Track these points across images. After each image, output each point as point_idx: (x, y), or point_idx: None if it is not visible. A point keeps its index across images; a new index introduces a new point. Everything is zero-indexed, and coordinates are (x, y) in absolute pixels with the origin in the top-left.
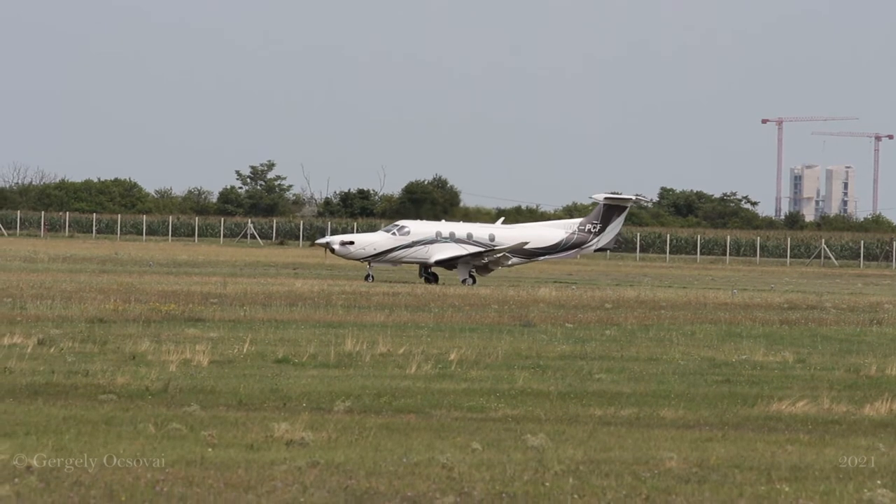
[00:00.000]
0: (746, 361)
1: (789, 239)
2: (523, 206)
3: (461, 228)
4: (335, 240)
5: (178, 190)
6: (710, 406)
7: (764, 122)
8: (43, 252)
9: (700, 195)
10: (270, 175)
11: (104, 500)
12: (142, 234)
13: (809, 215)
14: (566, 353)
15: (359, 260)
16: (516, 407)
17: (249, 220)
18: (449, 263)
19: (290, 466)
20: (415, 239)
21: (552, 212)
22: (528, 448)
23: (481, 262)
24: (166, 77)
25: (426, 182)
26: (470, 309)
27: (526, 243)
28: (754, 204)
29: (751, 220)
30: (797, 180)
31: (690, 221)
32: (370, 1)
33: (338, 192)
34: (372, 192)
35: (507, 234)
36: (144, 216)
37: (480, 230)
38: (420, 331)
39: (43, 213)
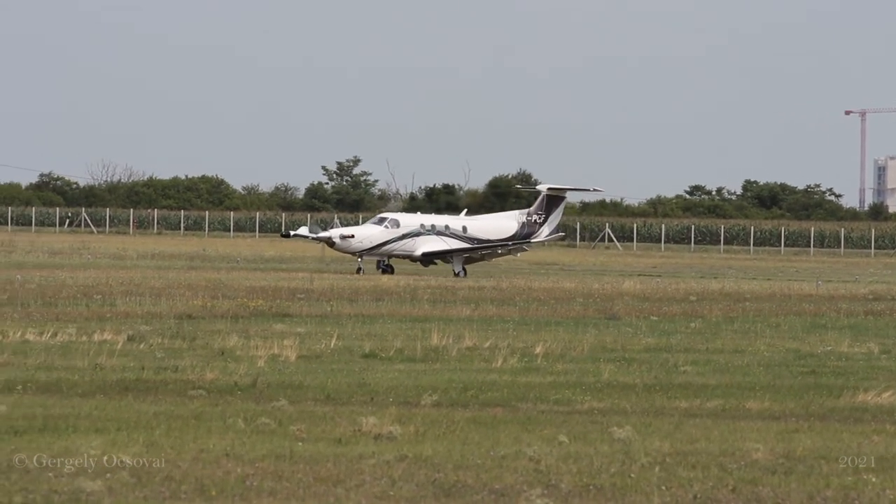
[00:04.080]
0: (832, 352)
1: (873, 230)
2: (607, 200)
3: (439, 221)
4: (335, 233)
5: (265, 186)
6: (795, 397)
7: (847, 113)
8: (132, 249)
9: (784, 187)
10: (356, 170)
11: (195, 494)
12: (229, 231)
13: (893, 206)
14: (651, 345)
15: (352, 253)
16: (602, 399)
17: (336, 216)
18: (438, 256)
19: (379, 460)
20: (404, 232)
21: (636, 205)
22: (614, 440)
23: (478, 255)
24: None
25: (510, 176)
26: (555, 303)
27: (562, 235)
28: (838, 196)
29: (835, 212)
30: (881, 171)
31: (774, 213)
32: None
33: (423, 187)
34: (457, 186)
35: (475, 225)
36: (232, 213)
37: (455, 222)
38: (505, 325)
39: (131, 210)
